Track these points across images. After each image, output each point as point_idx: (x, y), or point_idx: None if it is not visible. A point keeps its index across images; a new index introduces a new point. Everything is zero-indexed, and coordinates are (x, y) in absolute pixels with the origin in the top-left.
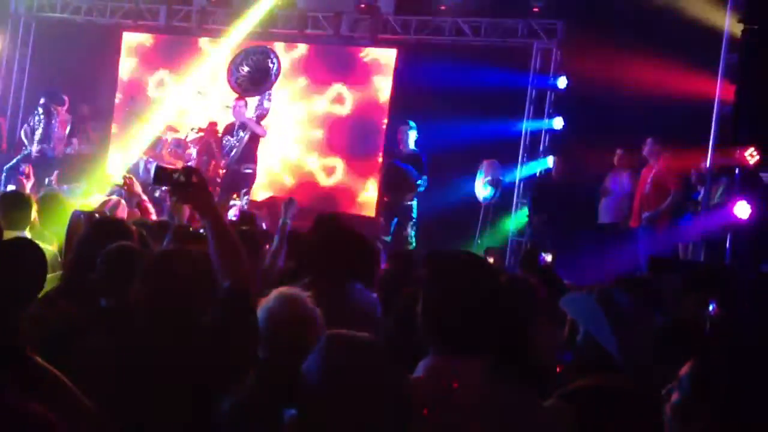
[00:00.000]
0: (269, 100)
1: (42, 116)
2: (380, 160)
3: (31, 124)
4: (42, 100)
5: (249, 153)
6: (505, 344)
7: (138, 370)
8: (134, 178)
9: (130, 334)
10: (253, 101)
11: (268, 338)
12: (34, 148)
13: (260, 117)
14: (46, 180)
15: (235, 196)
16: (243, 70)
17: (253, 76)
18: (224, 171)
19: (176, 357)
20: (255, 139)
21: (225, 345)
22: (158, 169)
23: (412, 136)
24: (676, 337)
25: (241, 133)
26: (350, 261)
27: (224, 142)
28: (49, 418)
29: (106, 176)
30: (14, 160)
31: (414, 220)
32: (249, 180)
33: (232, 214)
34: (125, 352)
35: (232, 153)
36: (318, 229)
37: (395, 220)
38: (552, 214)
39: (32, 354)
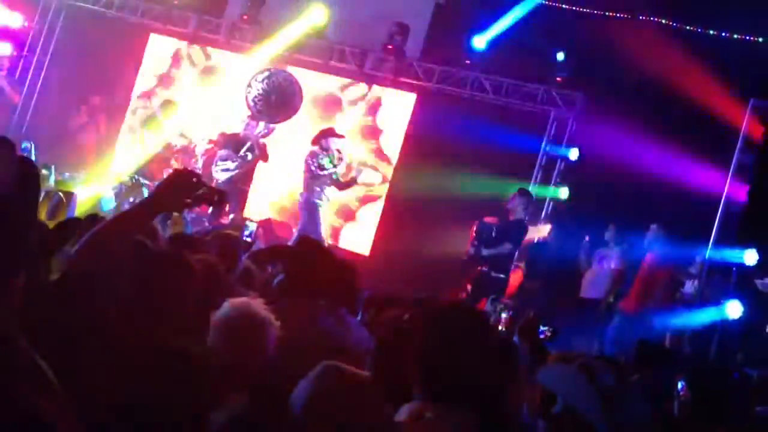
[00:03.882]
0: None
1: None
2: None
3: None
4: None
5: (249, 173)
6: (490, 401)
7: None
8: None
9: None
10: None
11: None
12: None
13: (265, 135)
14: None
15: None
16: (260, 88)
17: (269, 97)
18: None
19: None
20: (257, 161)
21: None
22: (202, 186)
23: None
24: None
25: (249, 155)
26: (331, 286)
27: (223, 151)
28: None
29: (108, 170)
30: None
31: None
32: (243, 198)
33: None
34: None
35: (236, 171)
36: (301, 251)
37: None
38: (543, 283)
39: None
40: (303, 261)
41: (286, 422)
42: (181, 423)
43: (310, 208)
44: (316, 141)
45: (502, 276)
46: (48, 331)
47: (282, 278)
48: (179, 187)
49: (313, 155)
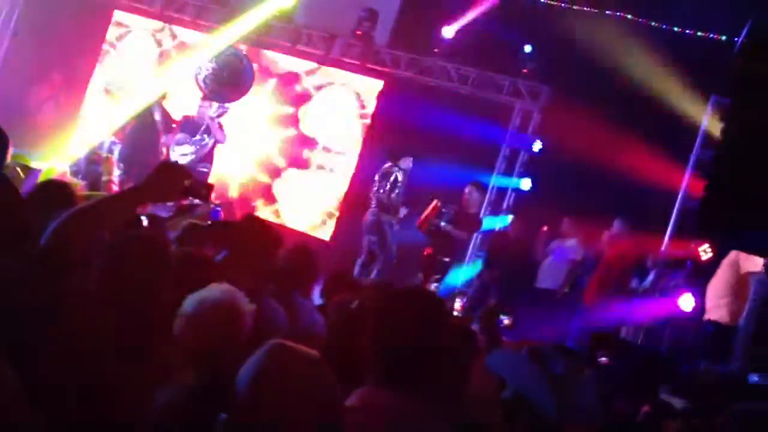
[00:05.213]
0: None
1: None
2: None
3: None
4: None
5: (208, 154)
6: (446, 386)
7: None
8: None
9: None
10: None
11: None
12: None
13: (219, 115)
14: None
15: None
16: (209, 67)
17: (220, 74)
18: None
19: None
20: (215, 144)
21: None
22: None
23: (475, 198)
24: None
25: (207, 138)
26: (281, 268)
27: (180, 135)
28: None
29: (67, 146)
30: None
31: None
32: (203, 179)
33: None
34: None
35: (193, 155)
36: (245, 231)
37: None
38: (502, 272)
39: None
40: (247, 242)
41: (231, 401)
42: (123, 402)
43: (386, 226)
44: (394, 158)
45: (446, 260)
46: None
47: (225, 254)
48: (168, 179)
49: (392, 181)
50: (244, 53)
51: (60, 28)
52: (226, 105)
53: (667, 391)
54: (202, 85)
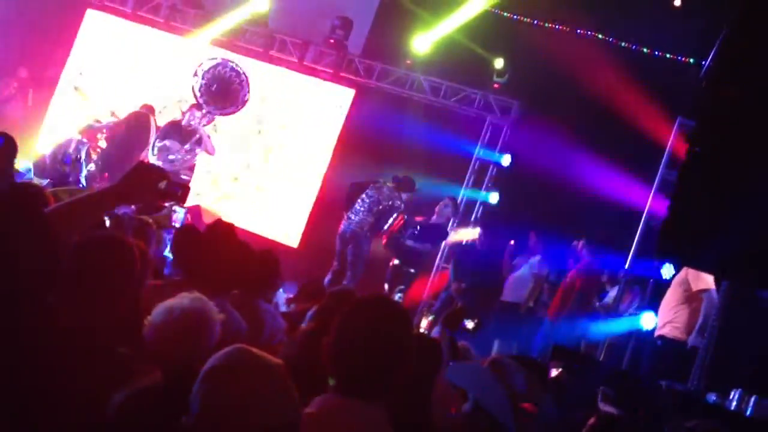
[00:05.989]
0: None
1: None
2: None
3: None
4: None
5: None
6: (406, 396)
7: None
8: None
9: None
10: None
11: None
12: None
13: (205, 124)
14: None
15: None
16: (204, 77)
17: (210, 87)
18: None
19: None
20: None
21: None
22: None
23: (448, 212)
24: None
25: (198, 150)
26: (244, 275)
27: (168, 142)
28: None
29: (33, 143)
30: None
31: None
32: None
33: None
34: None
35: (179, 163)
36: (211, 235)
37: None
38: (469, 285)
39: None
40: (210, 249)
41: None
42: (82, 404)
43: (366, 243)
44: (402, 189)
45: (412, 271)
46: None
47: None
48: (144, 180)
49: (393, 212)
50: (244, 72)
51: (29, 23)
52: (212, 115)
53: (611, 401)
54: (197, 95)
